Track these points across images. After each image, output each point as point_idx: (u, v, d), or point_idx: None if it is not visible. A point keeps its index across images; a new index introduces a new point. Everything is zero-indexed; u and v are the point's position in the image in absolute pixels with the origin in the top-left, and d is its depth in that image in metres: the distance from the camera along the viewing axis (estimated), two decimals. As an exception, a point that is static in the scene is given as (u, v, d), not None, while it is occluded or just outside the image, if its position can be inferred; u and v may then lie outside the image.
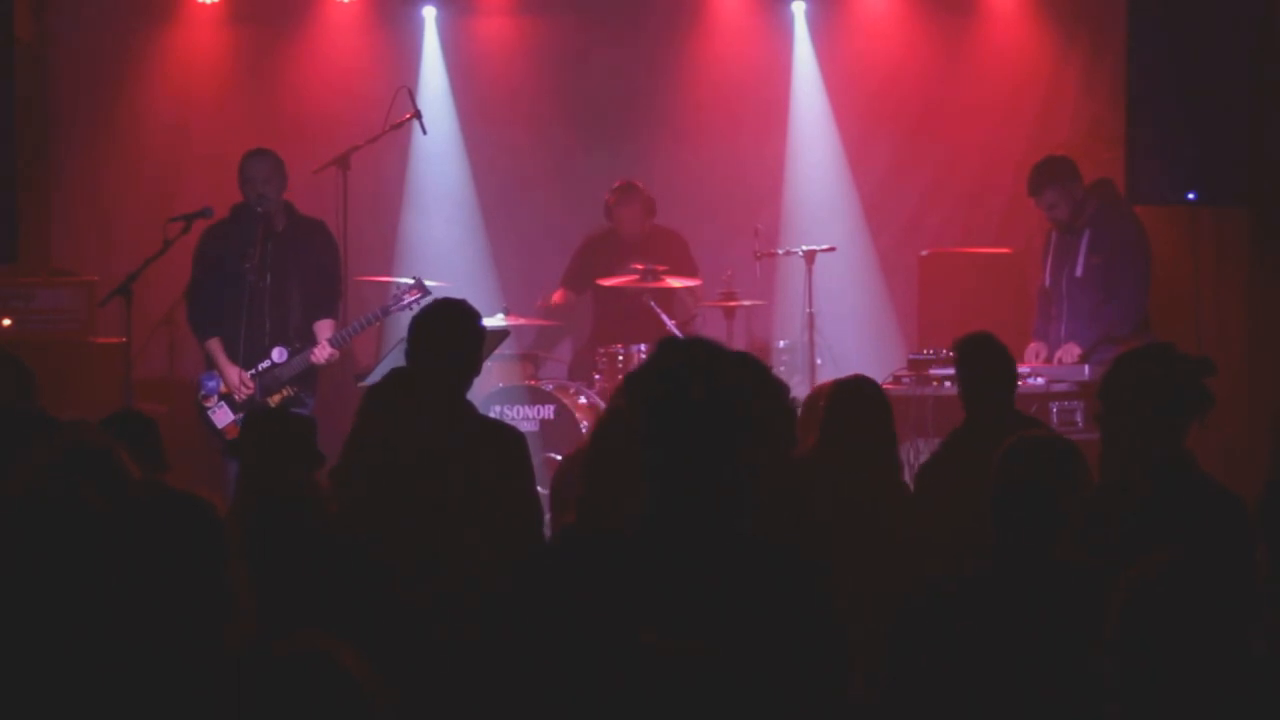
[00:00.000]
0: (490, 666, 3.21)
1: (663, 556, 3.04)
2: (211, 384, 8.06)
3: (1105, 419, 4.68)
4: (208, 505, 3.33)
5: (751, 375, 3.23)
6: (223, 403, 8.01)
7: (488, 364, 8.14)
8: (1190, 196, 8.64)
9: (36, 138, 9.92)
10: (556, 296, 9.71)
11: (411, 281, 8.25)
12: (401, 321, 8.14)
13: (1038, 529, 3.93)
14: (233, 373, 7.97)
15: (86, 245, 10.07)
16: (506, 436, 5.39)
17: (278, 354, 7.99)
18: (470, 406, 5.48)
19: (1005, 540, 3.97)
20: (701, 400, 3.07)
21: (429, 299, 7.97)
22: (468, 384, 5.49)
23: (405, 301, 8.09)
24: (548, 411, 8.84)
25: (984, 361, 6.10)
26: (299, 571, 5.06)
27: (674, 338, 3.24)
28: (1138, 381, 4.60)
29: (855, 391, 5.57)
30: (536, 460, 5.59)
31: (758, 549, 3.09)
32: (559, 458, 8.63)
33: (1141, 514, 4.41)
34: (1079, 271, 8.44)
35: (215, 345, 8.05)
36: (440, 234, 10.30)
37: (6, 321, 9.23)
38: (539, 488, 5.71)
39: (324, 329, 8.06)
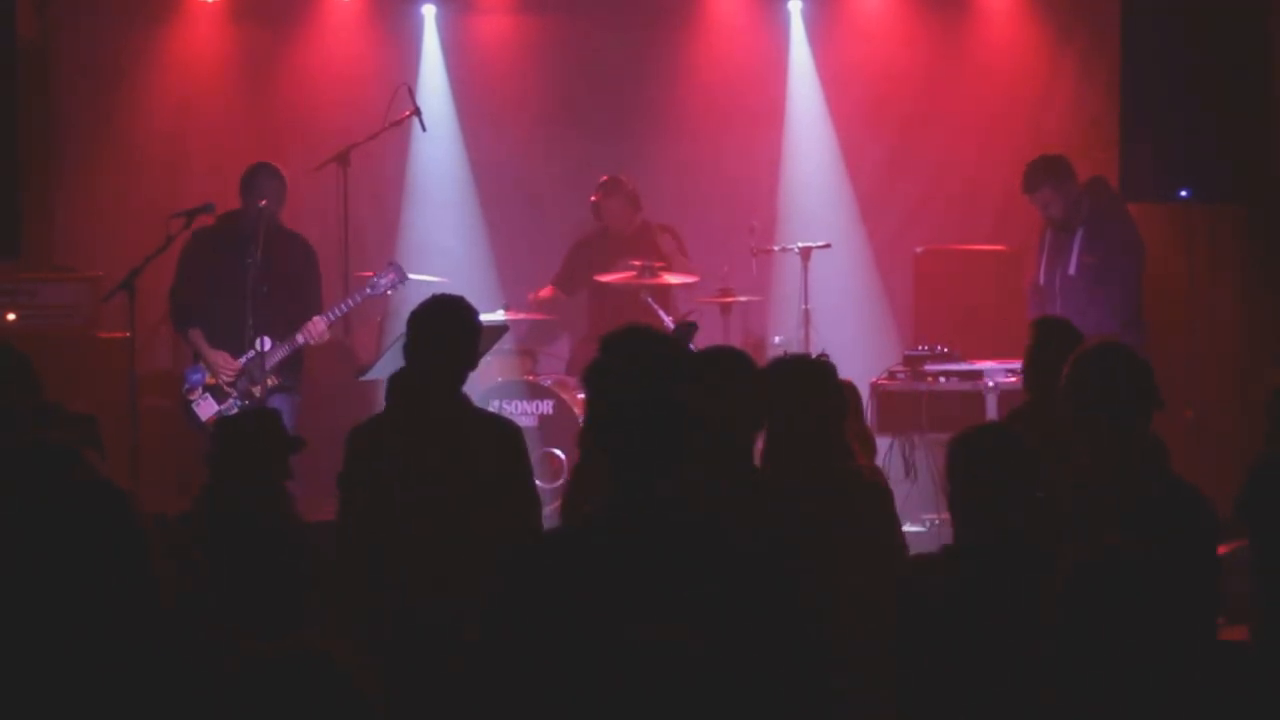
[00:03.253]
0: (483, 660, 3.25)
1: (625, 546, 3.10)
2: (196, 376, 8.11)
3: (1074, 419, 4.75)
4: (119, 493, 3.31)
5: (699, 367, 3.29)
6: (207, 394, 8.05)
7: (487, 359, 8.21)
8: (1183, 194, 8.69)
9: (39, 134, 9.94)
10: (544, 293, 9.78)
11: (390, 265, 8.32)
12: (402, 320, 8.21)
13: (995, 514, 4.02)
14: (217, 356, 8.01)
15: (90, 241, 10.09)
16: (504, 430, 5.43)
17: (261, 343, 8.05)
18: (467, 400, 5.52)
19: (964, 527, 4.07)
20: (644, 393, 3.13)
21: (406, 283, 8.09)
22: (464, 379, 5.53)
23: (383, 285, 8.18)
24: (546, 407, 8.87)
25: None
26: (269, 572, 5.13)
27: (621, 331, 3.29)
28: (1098, 380, 4.69)
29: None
30: (535, 455, 5.62)
31: (709, 536, 3.14)
32: (558, 452, 8.70)
33: (1110, 507, 4.49)
34: (1072, 269, 8.48)
35: (197, 335, 8.11)
36: (439, 230, 10.32)
37: (11, 317, 9.27)
38: (537, 481, 5.76)
39: (316, 320, 8.13)
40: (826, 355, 5.33)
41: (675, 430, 3.13)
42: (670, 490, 3.11)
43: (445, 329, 5.43)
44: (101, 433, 5.70)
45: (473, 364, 5.53)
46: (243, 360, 8.02)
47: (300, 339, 8.05)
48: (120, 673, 2.94)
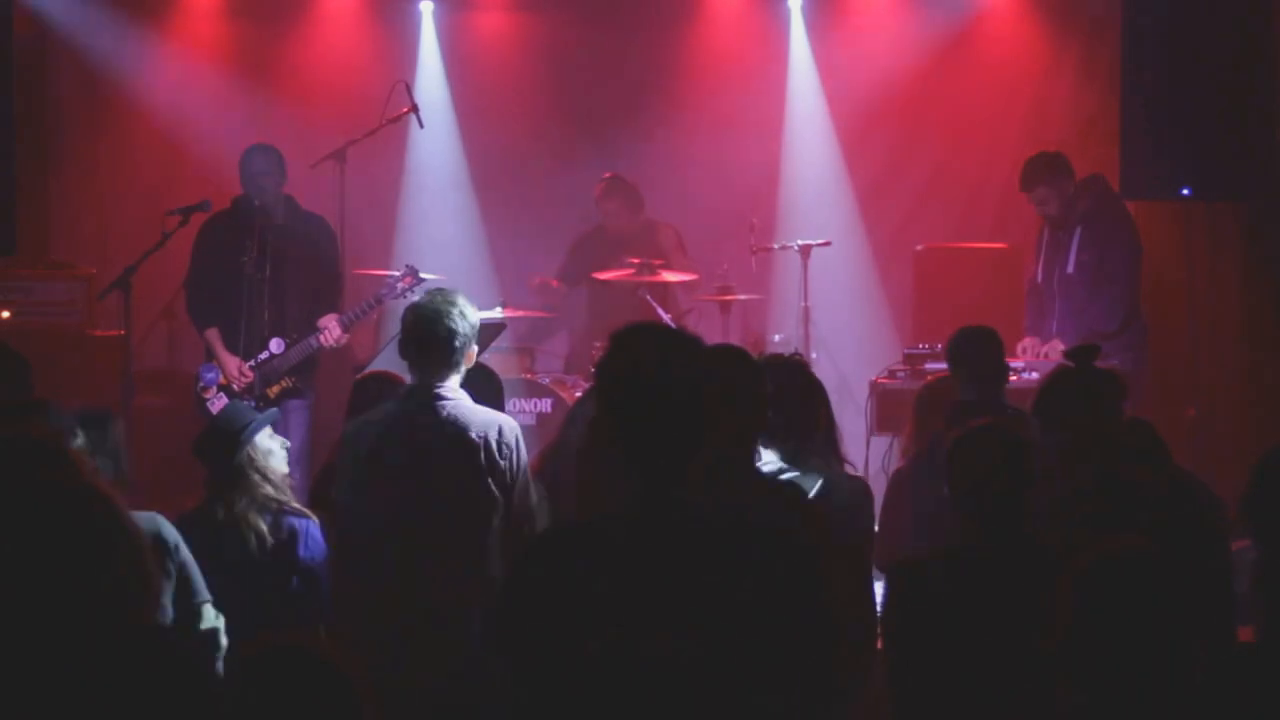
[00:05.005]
0: (486, 657, 3.22)
1: (640, 543, 3.06)
2: (210, 375, 8.08)
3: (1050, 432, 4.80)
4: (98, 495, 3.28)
5: (710, 362, 3.25)
6: (221, 394, 8.03)
7: (484, 357, 8.18)
8: (1184, 192, 8.66)
9: (36, 131, 9.93)
10: (554, 282, 9.77)
11: (405, 268, 8.29)
12: (399, 317, 8.16)
13: (996, 512, 4.01)
14: (231, 363, 7.99)
15: (85, 238, 10.08)
16: (501, 427, 5.39)
17: (275, 345, 8.02)
18: (464, 398, 5.48)
19: (966, 525, 4.06)
20: (656, 388, 3.09)
21: (422, 286, 8.04)
22: (460, 374, 5.49)
23: (399, 289, 8.14)
24: (545, 405, 8.85)
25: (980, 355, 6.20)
26: (271, 569, 5.10)
27: (632, 327, 3.25)
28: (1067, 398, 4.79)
29: None
30: (533, 454, 5.58)
31: (725, 531, 3.10)
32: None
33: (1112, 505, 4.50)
34: (1070, 268, 8.47)
35: (214, 335, 8.08)
36: (437, 227, 10.32)
37: (5, 314, 9.25)
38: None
39: (330, 320, 8.09)
40: (799, 354, 5.33)
41: (694, 428, 3.10)
42: (687, 488, 3.07)
43: (441, 324, 5.39)
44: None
45: (468, 360, 5.50)
46: (255, 362, 7.98)
47: (315, 343, 8.01)
48: (119, 673, 2.92)
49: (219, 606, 4.82)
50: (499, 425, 5.33)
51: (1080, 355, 5.14)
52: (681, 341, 3.18)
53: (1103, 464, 4.68)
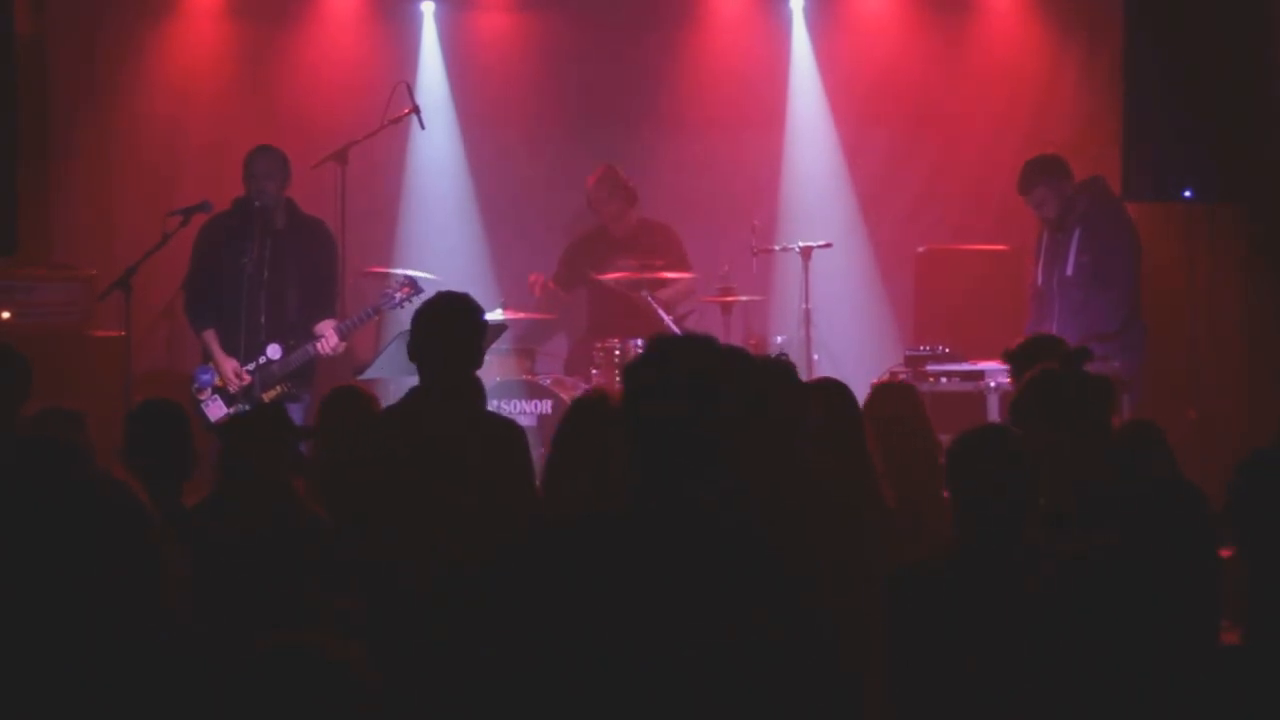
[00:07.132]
0: (482, 655, 3.22)
1: (649, 545, 3.06)
2: (206, 377, 8.07)
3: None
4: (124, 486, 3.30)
5: (743, 370, 3.26)
6: (216, 396, 8.02)
7: (485, 358, 8.18)
8: (1186, 194, 8.66)
9: (37, 131, 9.91)
10: (550, 284, 9.76)
11: (403, 279, 8.27)
12: (399, 315, 8.17)
13: (996, 516, 4.00)
14: (228, 365, 7.98)
15: (86, 238, 10.07)
16: (507, 431, 5.40)
17: (272, 350, 8.01)
18: (471, 400, 5.49)
19: (965, 528, 4.05)
20: (691, 395, 3.09)
21: (420, 296, 8.02)
22: (469, 377, 5.50)
23: (397, 299, 8.12)
24: (545, 406, 8.84)
25: None
26: (279, 567, 5.11)
27: (668, 334, 3.27)
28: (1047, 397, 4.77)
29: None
30: (535, 455, 5.59)
31: (741, 537, 3.10)
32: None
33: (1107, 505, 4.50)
34: (1069, 270, 8.46)
35: (211, 337, 8.07)
36: (438, 228, 10.31)
37: (6, 314, 9.24)
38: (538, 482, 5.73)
39: (327, 327, 8.08)
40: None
41: (712, 437, 3.10)
42: (700, 491, 3.07)
43: (450, 326, 5.40)
44: (94, 432, 5.66)
45: (478, 362, 5.51)
46: (252, 366, 7.97)
47: (313, 350, 8.01)
48: (125, 669, 2.92)
49: (224, 603, 4.83)
50: (507, 426, 5.35)
51: (1069, 359, 5.10)
52: (719, 357, 3.19)
53: (1091, 469, 4.67)
